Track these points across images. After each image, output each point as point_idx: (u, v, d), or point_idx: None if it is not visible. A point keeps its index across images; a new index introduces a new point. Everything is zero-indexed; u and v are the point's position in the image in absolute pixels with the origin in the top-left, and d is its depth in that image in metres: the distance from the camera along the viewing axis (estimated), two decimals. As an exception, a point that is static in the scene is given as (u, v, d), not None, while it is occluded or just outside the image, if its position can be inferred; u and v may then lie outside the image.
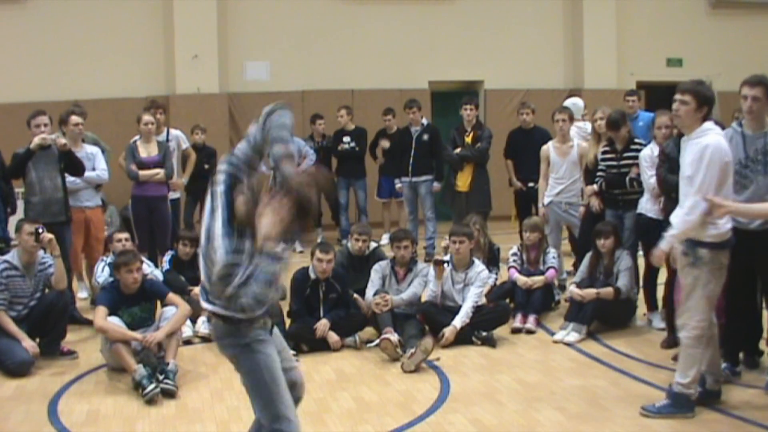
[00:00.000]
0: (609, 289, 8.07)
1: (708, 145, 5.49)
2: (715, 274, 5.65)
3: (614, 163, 8.52)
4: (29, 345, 7.27)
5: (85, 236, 9.34)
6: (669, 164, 6.93)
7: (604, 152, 8.67)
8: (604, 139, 8.82)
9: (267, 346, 4.17)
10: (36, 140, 8.37)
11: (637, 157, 8.29)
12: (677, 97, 5.67)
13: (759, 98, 5.89)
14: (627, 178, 8.35)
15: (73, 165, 8.72)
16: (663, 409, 5.86)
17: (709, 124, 5.61)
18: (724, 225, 5.59)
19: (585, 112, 11.33)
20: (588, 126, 10.17)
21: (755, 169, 5.96)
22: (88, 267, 9.60)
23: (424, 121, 12.14)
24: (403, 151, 12.15)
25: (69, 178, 8.83)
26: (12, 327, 7.28)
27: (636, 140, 8.58)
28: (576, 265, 9.39)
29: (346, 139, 12.98)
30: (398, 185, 12.27)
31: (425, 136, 11.88)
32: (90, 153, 9.29)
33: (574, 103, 11.19)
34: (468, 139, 11.27)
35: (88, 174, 9.09)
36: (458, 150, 11.25)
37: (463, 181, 11.24)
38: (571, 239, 10.19)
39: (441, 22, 16.04)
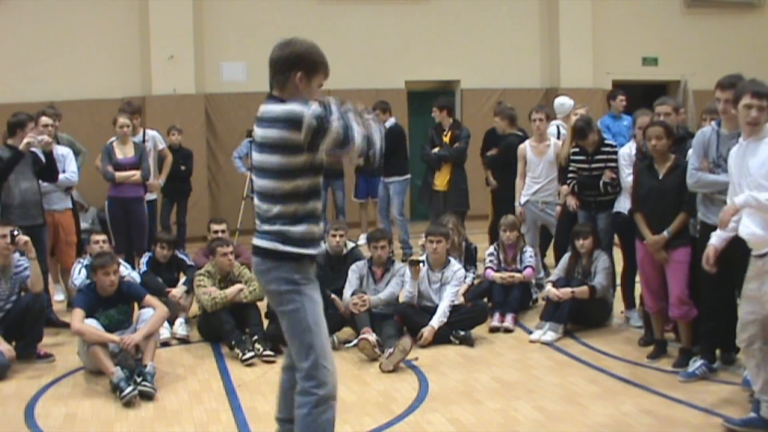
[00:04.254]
0: (584, 288, 8.11)
1: None
2: None
3: (585, 165, 8.56)
4: (5, 348, 7.22)
5: (56, 240, 9.22)
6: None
7: (574, 153, 8.71)
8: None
9: (314, 290, 4.18)
10: (25, 141, 8.26)
11: (608, 160, 8.34)
12: (754, 102, 5.42)
13: (731, 101, 5.88)
14: (601, 182, 8.37)
15: (50, 169, 8.62)
16: (748, 423, 5.57)
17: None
18: None
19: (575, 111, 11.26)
20: None
21: (725, 168, 6.00)
22: (61, 271, 9.52)
23: (390, 122, 12.07)
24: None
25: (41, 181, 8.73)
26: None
27: (606, 142, 8.61)
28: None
29: None
30: None
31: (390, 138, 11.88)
32: (61, 155, 9.14)
33: (562, 103, 11.18)
34: (446, 139, 11.28)
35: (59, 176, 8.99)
36: (436, 149, 11.26)
37: (441, 180, 11.24)
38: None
39: (417, 22, 16.05)
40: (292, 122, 3.96)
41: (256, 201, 4.24)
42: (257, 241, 4.19)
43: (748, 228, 5.45)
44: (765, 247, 5.39)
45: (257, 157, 4.14)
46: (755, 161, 5.40)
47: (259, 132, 4.14)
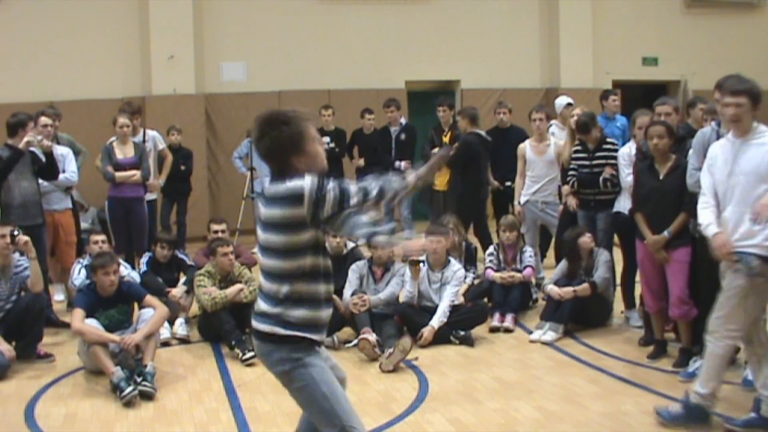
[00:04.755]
0: (585, 286, 8.11)
1: None
2: (759, 288, 5.44)
3: (586, 162, 8.56)
4: (5, 348, 7.22)
5: (56, 240, 9.22)
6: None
7: (576, 151, 8.72)
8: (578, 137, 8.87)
9: (317, 358, 4.02)
10: (24, 141, 8.26)
11: (609, 157, 8.34)
12: (729, 100, 5.45)
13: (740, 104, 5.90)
14: (600, 179, 8.37)
15: (50, 168, 8.62)
16: (677, 418, 5.68)
17: (763, 126, 5.48)
18: None
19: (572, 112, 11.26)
20: None
21: None
22: (61, 271, 9.51)
23: (403, 120, 12.19)
24: (384, 150, 12.22)
25: (40, 181, 8.73)
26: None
27: (608, 139, 8.63)
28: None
29: (326, 139, 12.95)
30: None
31: (403, 136, 11.92)
32: (60, 155, 9.12)
33: (555, 101, 11.18)
34: (446, 139, 11.27)
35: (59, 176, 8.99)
36: (436, 150, 11.25)
37: (441, 180, 11.22)
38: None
39: (417, 22, 16.05)
40: (294, 198, 3.83)
41: (262, 280, 4.08)
42: (257, 324, 4.03)
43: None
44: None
45: (262, 235, 4.00)
46: (747, 164, 5.43)
47: (263, 211, 4.00)
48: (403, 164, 11.88)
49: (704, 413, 5.66)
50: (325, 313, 4.04)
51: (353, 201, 3.83)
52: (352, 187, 3.86)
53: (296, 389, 4.00)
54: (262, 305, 4.02)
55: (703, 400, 5.63)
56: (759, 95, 5.47)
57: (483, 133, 10.76)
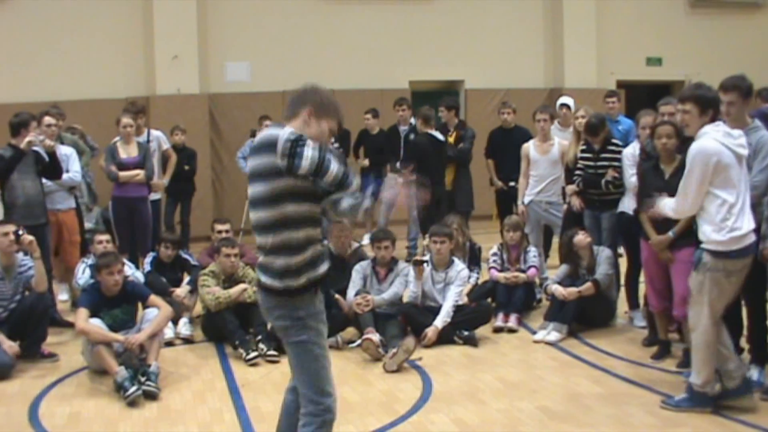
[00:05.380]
0: (589, 285, 8.09)
1: (693, 149, 5.62)
2: (718, 281, 5.67)
3: (591, 163, 8.55)
4: (8, 345, 7.24)
5: (60, 239, 9.21)
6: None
7: (582, 151, 8.71)
8: (583, 138, 8.86)
9: (320, 323, 4.29)
10: (26, 140, 8.28)
11: (613, 159, 8.33)
12: (678, 107, 5.78)
13: (734, 102, 6.05)
14: (603, 181, 8.37)
15: (53, 168, 8.63)
16: (681, 402, 5.95)
17: (707, 128, 5.63)
18: (728, 233, 5.57)
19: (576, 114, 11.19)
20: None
21: None
22: (65, 270, 9.51)
23: (412, 120, 12.20)
24: (392, 150, 12.24)
25: (44, 181, 8.75)
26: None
27: (613, 141, 8.61)
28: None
29: (332, 139, 12.93)
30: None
31: (412, 135, 11.92)
32: (64, 154, 9.12)
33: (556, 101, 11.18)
34: (451, 139, 11.29)
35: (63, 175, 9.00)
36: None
37: (446, 180, 11.23)
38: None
39: (421, 22, 16.05)
40: (269, 146, 3.96)
41: (256, 236, 4.25)
42: (260, 275, 4.26)
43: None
44: None
45: (250, 189, 4.14)
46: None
47: (250, 163, 4.14)
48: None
49: (707, 398, 5.86)
50: (317, 252, 4.27)
51: (328, 177, 3.98)
52: (335, 164, 3.99)
53: (292, 342, 4.25)
54: (260, 258, 4.24)
55: (701, 389, 5.86)
56: (711, 101, 5.71)
57: (436, 133, 11.06)
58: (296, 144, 3.91)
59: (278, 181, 4.00)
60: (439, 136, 11.13)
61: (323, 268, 4.31)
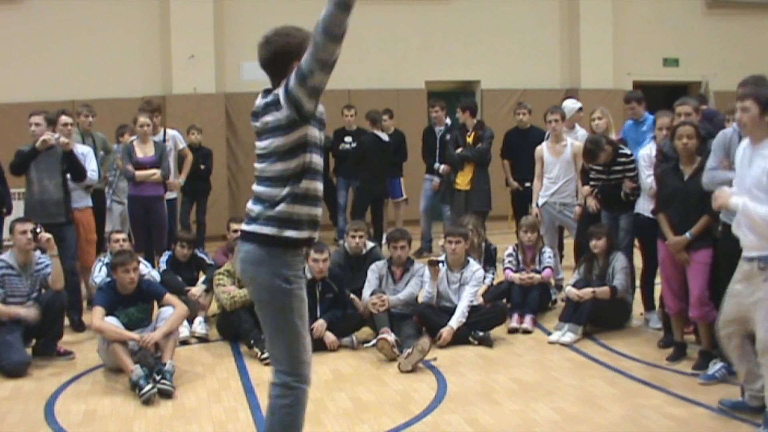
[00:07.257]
0: (605, 288, 8.07)
1: None
2: None
3: (604, 176, 8.49)
4: (25, 312, 7.35)
5: (76, 238, 9.19)
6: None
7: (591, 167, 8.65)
8: (608, 133, 8.84)
9: (302, 289, 4.15)
10: (41, 139, 8.32)
11: (626, 170, 8.26)
12: (737, 105, 5.54)
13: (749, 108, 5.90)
14: (622, 194, 8.30)
15: (75, 168, 8.65)
16: (738, 405, 5.86)
17: None
18: None
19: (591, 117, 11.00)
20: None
21: None
22: (81, 269, 9.51)
23: (448, 120, 12.27)
24: (428, 150, 12.42)
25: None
26: (7, 309, 7.34)
27: (621, 152, 8.45)
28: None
29: (348, 139, 12.96)
30: (435, 181, 12.31)
31: (448, 136, 11.89)
32: (81, 153, 9.12)
33: (564, 105, 11.11)
34: (469, 140, 11.28)
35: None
36: (459, 150, 11.26)
37: (463, 179, 11.23)
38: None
39: (438, 22, 16.04)
40: (274, 104, 4.00)
41: (256, 187, 4.14)
42: (256, 227, 4.06)
43: (740, 227, 5.50)
44: (753, 251, 5.41)
45: (261, 144, 4.08)
46: (751, 171, 5.43)
47: (260, 121, 4.07)
48: (442, 167, 11.87)
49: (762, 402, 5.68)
50: (319, 210, 4.17)
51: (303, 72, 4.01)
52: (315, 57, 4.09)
53: (268, 303, 4.12)
54: (258, 208, 4.08)
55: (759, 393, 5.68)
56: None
57: (382, 134, 12.37)
58: (286, 90, 3.95)
59: (294, 133, 3.99)
60: (384, 137, 12.42)
61: (317, 231, 4.21)
